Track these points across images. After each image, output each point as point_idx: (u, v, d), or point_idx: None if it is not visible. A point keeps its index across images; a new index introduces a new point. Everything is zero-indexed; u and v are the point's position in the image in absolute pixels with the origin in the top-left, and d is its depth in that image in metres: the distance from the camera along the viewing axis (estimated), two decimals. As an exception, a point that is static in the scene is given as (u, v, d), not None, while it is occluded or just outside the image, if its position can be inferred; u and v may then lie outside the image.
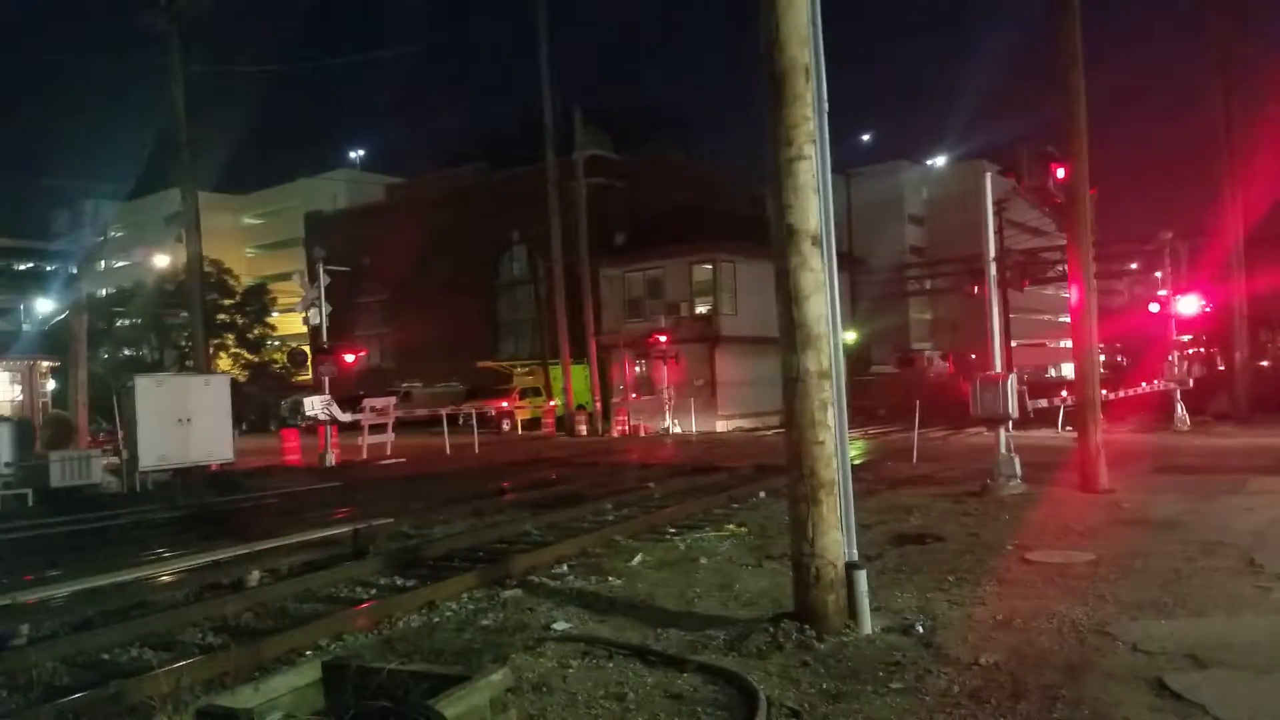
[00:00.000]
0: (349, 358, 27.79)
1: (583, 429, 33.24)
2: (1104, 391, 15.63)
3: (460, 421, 31.60)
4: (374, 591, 8.83)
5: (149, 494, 18.13)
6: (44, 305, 36.70)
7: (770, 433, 29.34)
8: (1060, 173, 13.61)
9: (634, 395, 34.95)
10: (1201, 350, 28.96)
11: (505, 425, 36.95)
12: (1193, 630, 6.19)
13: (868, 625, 6.27)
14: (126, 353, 51.93)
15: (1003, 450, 13.11)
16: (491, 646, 6.46)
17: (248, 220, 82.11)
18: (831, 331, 6.47)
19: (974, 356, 44.92)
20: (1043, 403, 19.09)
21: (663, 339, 32.54)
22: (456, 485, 17.76)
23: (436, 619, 7.45)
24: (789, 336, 6.35)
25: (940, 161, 73.71)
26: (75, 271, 23.81)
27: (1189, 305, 24.57)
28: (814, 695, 5.21)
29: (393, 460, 24.65)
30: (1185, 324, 25.19)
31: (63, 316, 28.01)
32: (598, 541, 10.47)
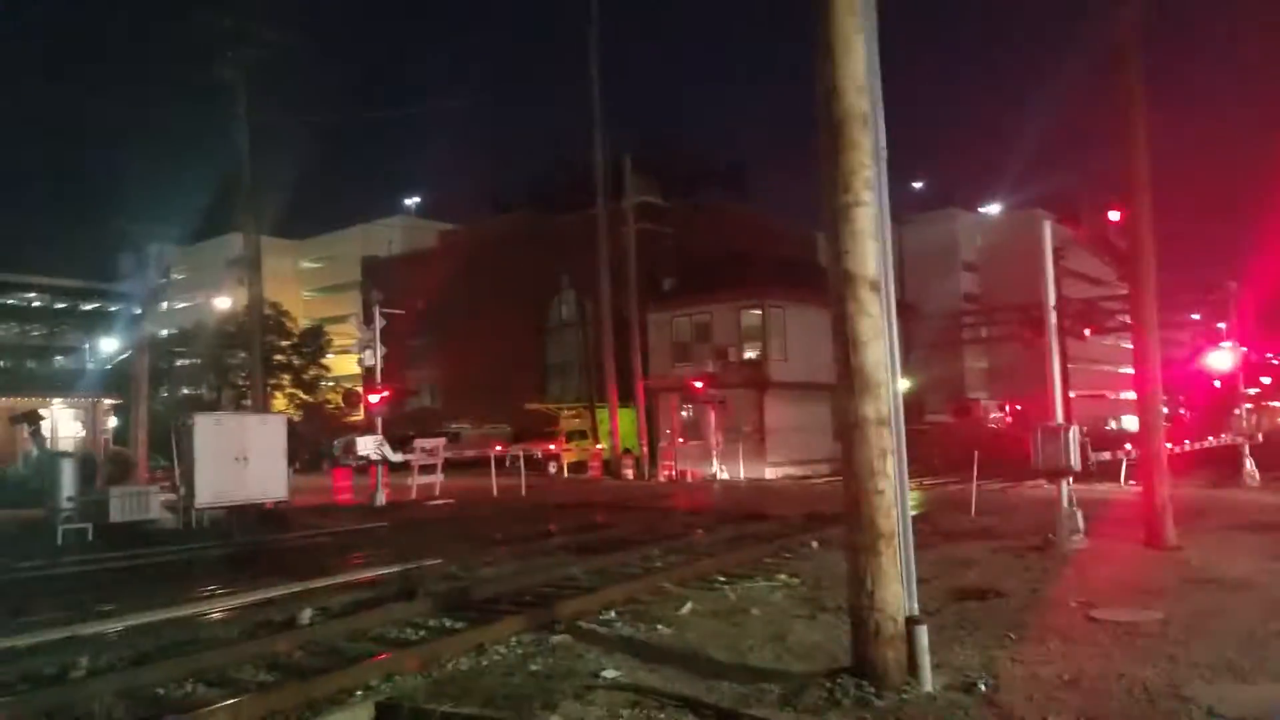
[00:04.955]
0: (402, 398, 28.07)
1: (629, 473, 33.08)
2: (1168, 444, 15.19)
3: (507, 463, 31.66)
4: (423, 633, 8.82)
5: (204, 530, 18.36)
6: (108, 345, 37.69)
7: (821, 480, 28.98)
8: (1114, 215, 13.41)
9: (681, 440, 34.75)
10: (1270, 404, 28.19)
11: (552, 468, 36.91)
12: (1272, 695, 5.95)
13: (929, 682, 6.08)
14: (186, 391, 52.98)
15: (1065, 504, 12.77)
16: (541, 692, 6.40)
17: (305, 264, 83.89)
18: (890, 378, 6.36)
19: (1019, 407, 44.08)
20: (1105, 455, 18.61)
21: (699, 384, 32.42)
22: (504, 527, 17.75)
23: (485, 662, 7.40)
24: (847, 383, 6.27)
25: (995, 209, 73.08)
26: (139, 312, 24.44)
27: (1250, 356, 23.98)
28: (873, 754, 5.04)
29: (441, 501, 24.76)
30: (1253, 376, 24.56)
31: (125, 356, 28.71)
32: (646, 588, 10.33)
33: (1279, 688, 6.13)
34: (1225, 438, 23.23)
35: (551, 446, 38.21)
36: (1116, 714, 5.62)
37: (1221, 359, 23.82)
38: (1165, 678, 6.32)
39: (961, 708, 5.76)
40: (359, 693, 6.58)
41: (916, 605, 6.47)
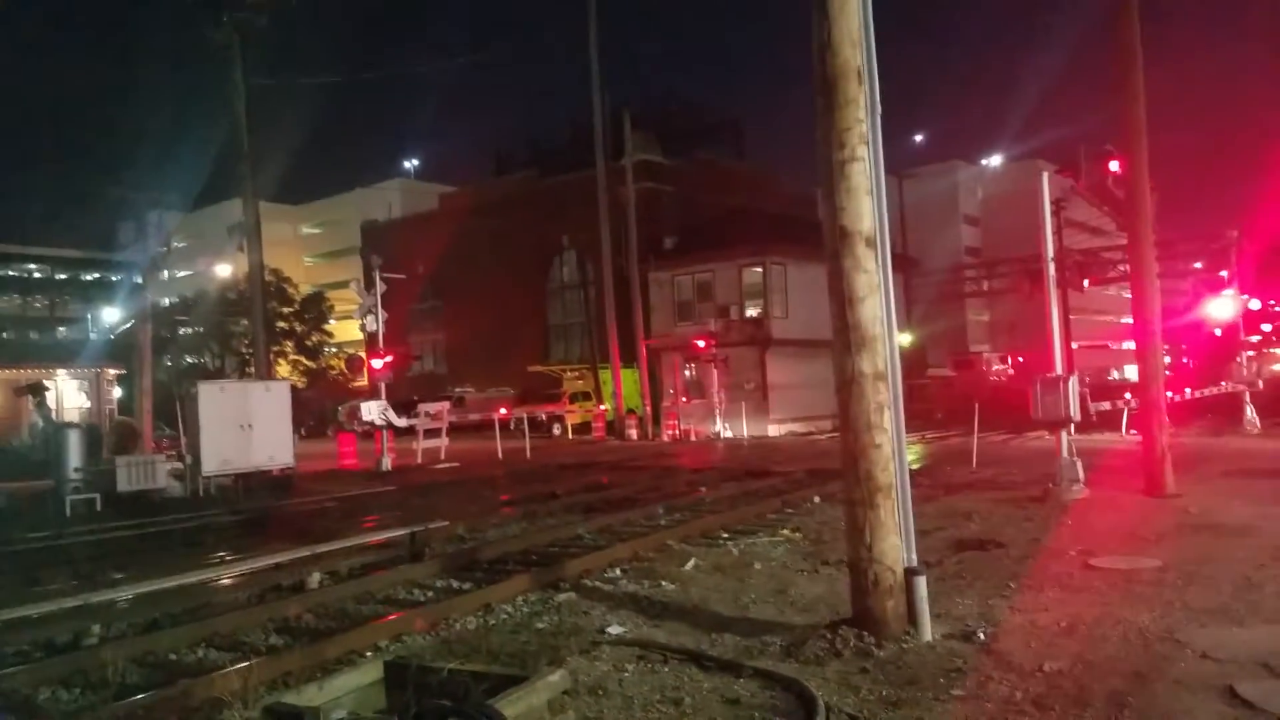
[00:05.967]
0: (405, 363, 28.15)
1: (633, 433, 33.22)
2: (1169, 393, 15.24)
3: (511, 426, 31.76)
4: (431, 594, 8.94)
5: (212, 498, 18.51)
6: (110, 314, 37.74)
7: (823, 436, 29.10)
8: (1115, 165, 13.36)
9: (684, 399, 34.87)
10: (1271, 351, 28.18)
11: (556, 429, 37.07)
12: (1265, 638, 6.00)
13: (928, 632, 6.17)
14: (189, 360, 53.07)
15: (1065, 454, 12.85)
16: (547, 649, 6.49)
17: (306, 229, 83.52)
18: (886, 333, 6.39)
19: (1020, 359, 44.13)
20: (1105, 405, 18.69)
21: (701, 343, 32.38)
22: (509, 489, 17.92)
23: (493, 621, 7.51)
24: (843, 339, 6.29)
25: (995, 161, 72.53)
26: (140, 281, 24.45)
27: (1255, 305, 23.99)
28: (873, 702, 5.15)
29: (447, 464, 24.90)
30: (1253, 324, 24.58)
31: (128, 325, 28.72)
32: (650, 546, 10.45)
33: (1272, 630, 6.20)
34: (1226, 385, 23.27)
35: (555, 408, 38.35)
36: (1113, 659, 5.70)
37: (1222, 307, 23.83)
38: (1161, 623, 6.40)
39: (960, 656, 5.85)
40: (368, 653, 6.67)
41: (915, 556, 6.53)
